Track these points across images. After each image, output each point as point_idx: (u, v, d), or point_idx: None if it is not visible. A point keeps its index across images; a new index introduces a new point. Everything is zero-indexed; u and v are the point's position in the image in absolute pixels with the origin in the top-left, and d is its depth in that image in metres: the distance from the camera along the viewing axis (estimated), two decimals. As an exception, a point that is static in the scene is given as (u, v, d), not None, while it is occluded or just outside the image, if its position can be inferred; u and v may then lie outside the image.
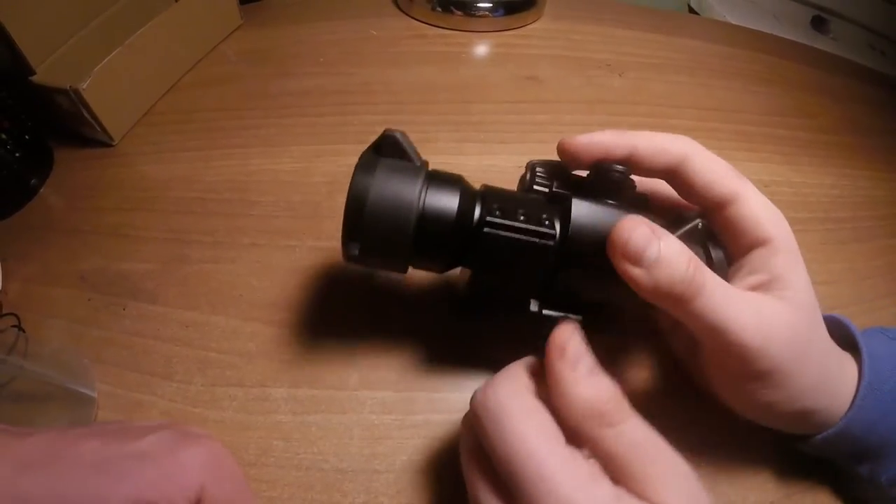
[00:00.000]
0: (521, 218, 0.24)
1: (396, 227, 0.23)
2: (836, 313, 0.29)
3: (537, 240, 0.24)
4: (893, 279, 0.40)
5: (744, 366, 0.23)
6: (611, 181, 0.25)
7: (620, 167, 0.25)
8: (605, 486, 0.20)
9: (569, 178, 0.27)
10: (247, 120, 0.45)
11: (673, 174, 0.26)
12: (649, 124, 0.48)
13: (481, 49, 0.56)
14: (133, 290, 0.35)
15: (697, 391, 0.30)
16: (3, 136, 0.39)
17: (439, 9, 0.56)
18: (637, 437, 0.20)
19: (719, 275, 0.23)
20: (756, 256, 0.24)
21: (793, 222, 0.25)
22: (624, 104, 0.50)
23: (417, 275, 0.34)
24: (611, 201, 0.24)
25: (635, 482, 0.20)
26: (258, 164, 0.42)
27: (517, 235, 0.24)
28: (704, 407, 0.29)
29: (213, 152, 0.43)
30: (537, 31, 0.58)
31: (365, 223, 0.23)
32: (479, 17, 0.56)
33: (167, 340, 0.33)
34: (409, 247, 0.24)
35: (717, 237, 0.27)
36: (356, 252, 0.24)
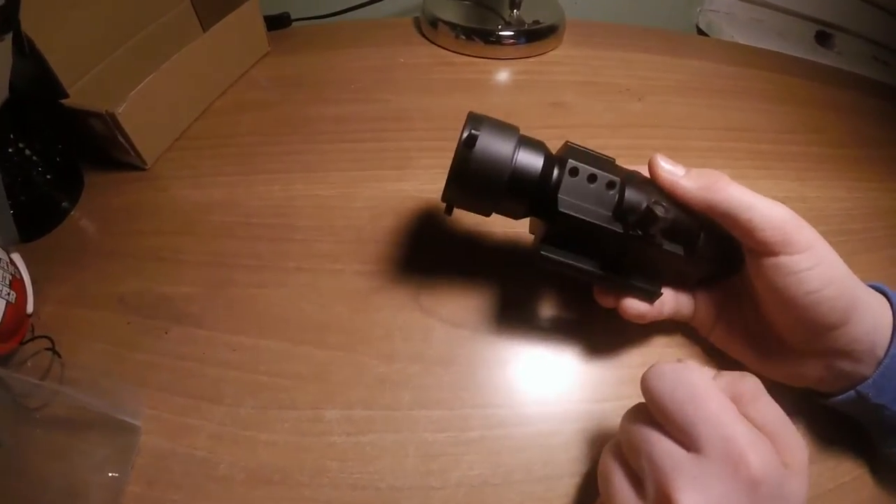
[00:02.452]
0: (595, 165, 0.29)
1: (496, 171, 0.28)
2: None
3: (605, 179, 0.28)
4: None
5: (784, 240, 0.26)
6: None
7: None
8: (770, 446, 0.21)
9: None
10: (285, 146, 0.46)
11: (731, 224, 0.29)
12: (669, 146, 0.50)
13: (507, 76, 0.57)
14: (176, 314, 0.35)
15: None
16: (35, 159, 0.40)
17: (463, 37, 0.57)
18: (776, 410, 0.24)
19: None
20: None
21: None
22: (645, 127, 0.52)
23: (467, 302, 0.36)
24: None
25: (781, 449, 0.22)
26: (300, 190, 0.42)
27: (589, 172, 0.28)
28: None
29: (253, 177, 0.43)
30: (558, 57, 0.60)
31: (471, 164, 0.28)
32: (502, 45, 0.58)
33: (214, 364, 0.33)
34: (501, 191, 0.29)
35: None
36: (464, 176, 0.29)
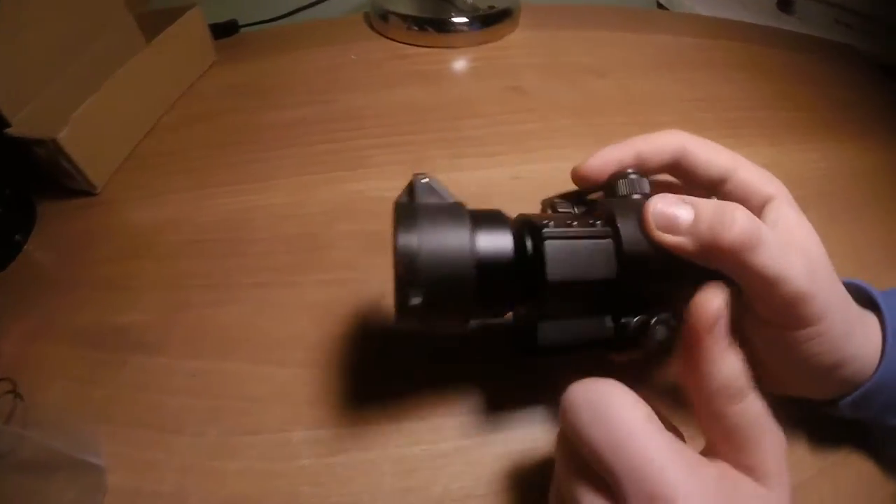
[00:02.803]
0: (574, 224, 0.24)
1: (455, 275, 0.22)
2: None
3: (598, 239, 0.23)
4: (889, 247, 0.41)
5: (797, 314, 0.22)
6: (629, 185, 0.26)
7: (632, 170, 0.27)
8: (710, 466, 0.20)
9: (587, 200, 0.28)
10: (233, 156, 0.44)
11: (676, 166, 0.29)
12: (639, 122, 0.49)
13: (463, 64, 0.56)
14: (133, 343, 0.33)
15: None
16: (-17, 192, 0.38)
17: (415, 28, 0.56)
18: (757, 409, 0.21)
19: None
20: (768, 211, 0.26)
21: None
22: (611, 105, 0.50)
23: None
24: (636, 196, 0.26)
25: (750, 454, 0.20)
26: (250, 201, 0.41)
27: (578, 240, 0.23)
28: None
29: (203, 192, 0.42)
30: (516, 41, 0.59)
31: (420, 277, 0.21)
32: (456, 33, 0.56)
33: (174, 392, 0.31)
34: (471, 294, 0.22)
35: None
36: (417, 303, 0.22)
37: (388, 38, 0.58)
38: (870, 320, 0.26)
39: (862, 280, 0.28)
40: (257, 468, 0.28)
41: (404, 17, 0.56)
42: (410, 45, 0.57)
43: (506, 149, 0.45)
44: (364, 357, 0.32)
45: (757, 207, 0.26)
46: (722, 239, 0.21)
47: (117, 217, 0.41)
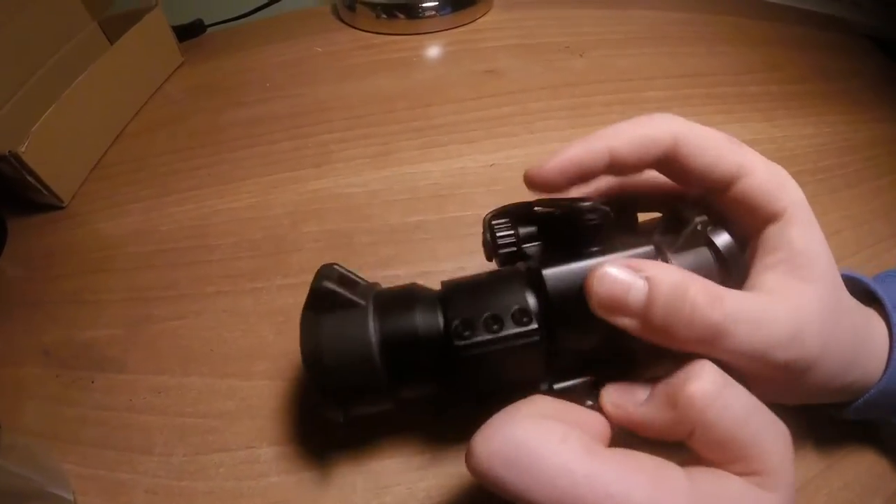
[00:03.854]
0: (493, 326, 0.21)
1: (361, 364, 0.22)
2: (845, 267, 0.26)
3: (520, 341, 0.21)
4: (891, 220, 0.39)
5: (785, 374, 0.20)
6: (586, 227, 0.21)
7: (593, 211, 0.21)
8: (676, 473, 0.17)
9: (535, 217, 0.24)
10: (198, 160, 0.43)
11: (665, 163, 0.22)
12: (622, 101, 0.47)
13: (434, 50, 0.54)
14: (99, 360, 0.32)
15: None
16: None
17: (384, 16, 0.54)
18: (743, 402, 0.18)
19: (733, 266, 0.21)
20: (772, 233, 0.21)
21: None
22: (589, 84, 0.48)
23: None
24: (590, 248, 0.21)
25: (748, 460, 0.17)
26: (214, 205, 0.39)
27: (495, 347, 0.21)
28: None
29: (165, 199, 0.40)
30: (489, 23, 0.57)
31: (329, 378, 0.22)
32: (427, 17, 0.54)
33: (141, 411, 0.30)
34: (383, 379, 0.22)
35: (724, 216, 0.24)
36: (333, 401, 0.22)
37: (356, 28, 0.56)
38: (876, 324, 0.24)
39: (864, 258, 0.26)
40: (226, 487, 0.27)
41: (372, 6, 0.54)
42: (380, 33, 0.55)
43: (480, 135, 0.43)
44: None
45: (761, 222, 0.22)
46: (677, 333, 0.18)
47: (83, 230, 0.40)
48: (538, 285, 0.21)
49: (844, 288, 0.23)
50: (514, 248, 0.23)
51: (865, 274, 0.26)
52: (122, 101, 0.48)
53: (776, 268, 0.21)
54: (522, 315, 0.21)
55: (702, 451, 0.18)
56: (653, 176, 0.24)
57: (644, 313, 0.18)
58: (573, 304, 0.20)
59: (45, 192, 0.40)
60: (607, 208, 0.21)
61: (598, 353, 0.22)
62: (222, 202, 0.39)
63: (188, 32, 0.57)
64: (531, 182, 0.23)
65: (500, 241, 0.23)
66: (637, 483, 0.16)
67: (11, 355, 0.33)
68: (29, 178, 0.39)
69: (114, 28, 0.51)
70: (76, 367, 0.32)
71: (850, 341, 0.22)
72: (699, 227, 0.22)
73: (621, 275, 0.18)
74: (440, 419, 0.29)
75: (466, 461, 0.17)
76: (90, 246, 0.39)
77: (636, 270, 0.19)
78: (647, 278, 0.18)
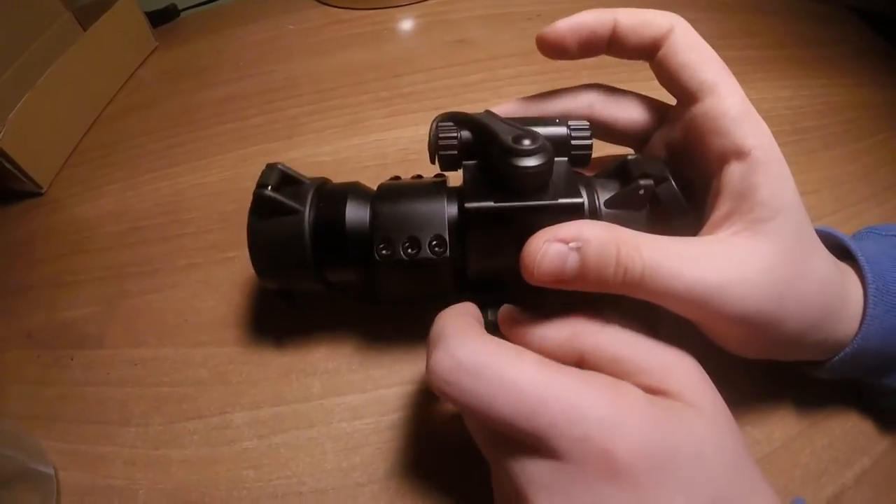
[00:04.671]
0: (410, 251, 0.23)
1: (294, 253, 0.24)
2: (823, 224, 0.26)
3: (433, 265, 0.23)
4: (870, 181, 0.39)
5: (732, 326, 0.20)
6: (525, 172, 0.21)
7: (534, 154, 0.20)
8: (633, 391, 0.18)
9: (477, 124, 0.23)
10: (170, 139, 0.43)
11: (651, 55, 0.23)
12: (591, 65, 0.45)
13: (405, 24, 0.53)
14: (79, 338, 0.33)
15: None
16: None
17: (356, -9, 0.54)
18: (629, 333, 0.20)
19: (681, 218, 0.22)
20: (735, 174, 0.20)
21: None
22: (562, 51, 0.48)
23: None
24: (523, 188, 0.21)
25: (648, 373, 0.19)
26: (186, 182, 0.39)
27: (410, 268, 0.23)
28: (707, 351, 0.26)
29: (139, 179, 0.40)
30: (461, -7, 0.56)
31: (268, 264, 0.25)
32: (398, -9, 0.54)
33: (118, 384, 0.30)
34: (311, 262, 0.25)
35: (681, 162, 0.24)
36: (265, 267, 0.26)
37: (328, 4, 0.56)
38: (850, 280, 0.23)
39: (844, 218, 0.25)
40: (201, 454, 0.27)
41: (344, -19, 0.54)
42: (350, 8, 0.55)
43: (448, 102, 0.43)
44: (301, 330, 0.31)
45: (720, 157, 0.21)
46: (606, 285, 0.19)
47: (62, 214, 0.40)
48: (461, 216, 0.23)
49: (818, 243, 0.22)
50: (455, 152, 0.23)
51: (846, 232, 0.25)
52: (96, 88, 0.48)
53: (731, 218, 0.20)
54: (439, 244, 0.23)
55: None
56: (630, 110, 0.25)
57: (578, 278, 0.19)
58: (489, 241, 0.22)
59: (23, 179, 0.40)
60: (551, 152, 0.21)
61: (504, 277, 0.23)
62: (194, 178, 0.39)
63: (162, 17, 0.57)
64: (544, 41, 0.24)
65: (442, 143, 0.23)
66: (598, 394, 0.17)
67: (-4, 342, 0.33)
68: (7, 166, 0.39)
69: (88, 17, 0.50)
70: (56, 346, 0.33)
71: (818, 299, 0.21)
72: (641, 192, 0.22)
73: (557, 253, 0.19)
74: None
75: (429, 377, 0.18)
76: (68, 229, 0.39)
77: (568, 241, 0.19)
78: (577, 249, 0.19)
